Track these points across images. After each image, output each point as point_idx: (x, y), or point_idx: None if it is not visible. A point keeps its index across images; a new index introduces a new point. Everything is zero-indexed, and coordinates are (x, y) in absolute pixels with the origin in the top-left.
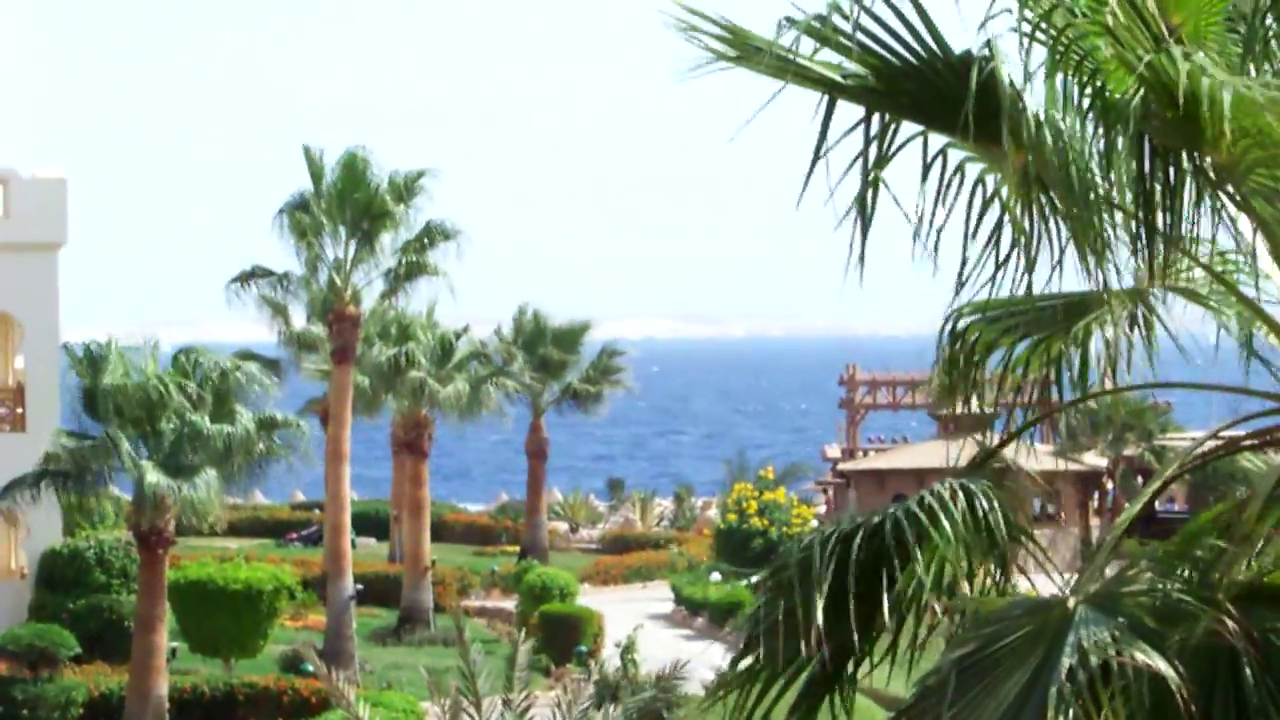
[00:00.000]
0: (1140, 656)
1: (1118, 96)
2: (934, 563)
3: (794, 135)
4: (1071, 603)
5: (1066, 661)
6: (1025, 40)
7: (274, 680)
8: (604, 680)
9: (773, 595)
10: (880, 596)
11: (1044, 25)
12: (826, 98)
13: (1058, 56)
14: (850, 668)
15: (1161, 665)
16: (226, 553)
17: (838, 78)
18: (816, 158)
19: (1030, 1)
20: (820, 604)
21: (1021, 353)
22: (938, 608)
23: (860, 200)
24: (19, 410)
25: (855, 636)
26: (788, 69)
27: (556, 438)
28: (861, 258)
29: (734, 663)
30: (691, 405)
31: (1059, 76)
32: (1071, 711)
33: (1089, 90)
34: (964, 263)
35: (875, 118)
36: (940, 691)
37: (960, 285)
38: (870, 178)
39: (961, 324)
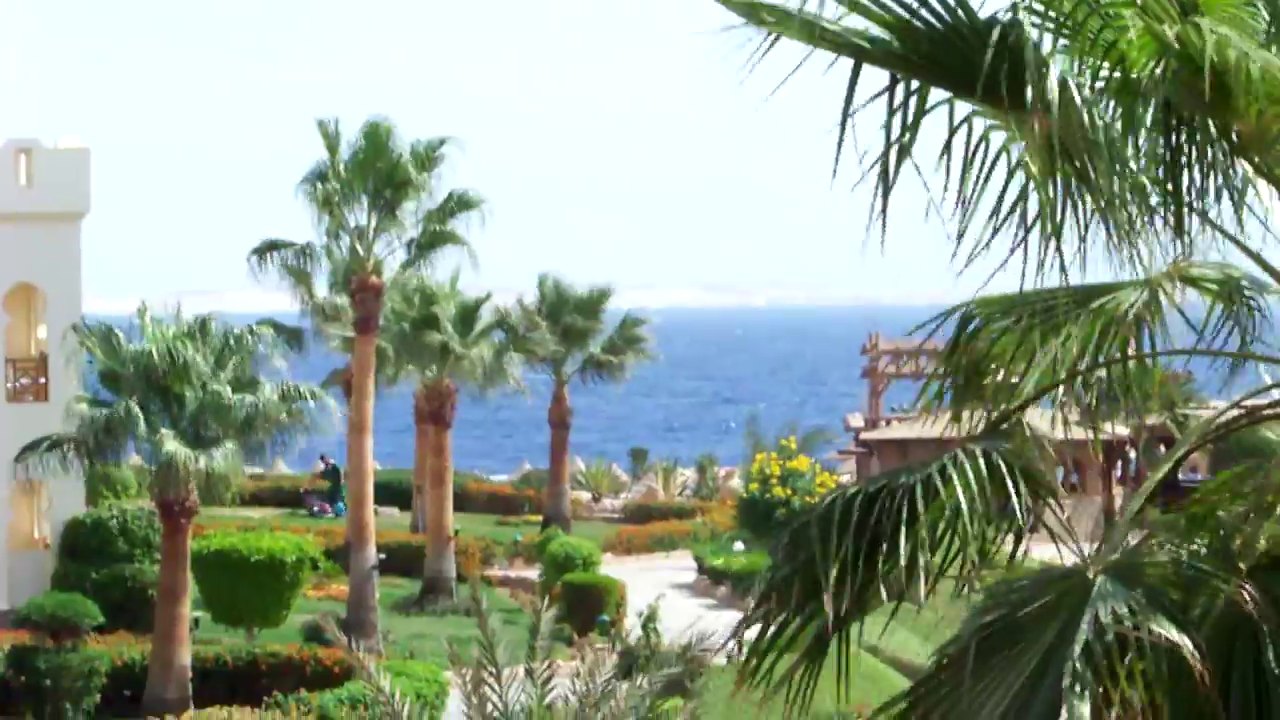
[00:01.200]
0: (1158, 629)
1: (1140, 71)
2: (951, 523)
3: (819, 104)
4: (1091, 573)
5: (1084, 634)
6: (1037, 30)
7: (297, 650)
8: (627, 649)
9: (789, 550)
10: (894, 555)
11: (1054, 14)
12: (853, 63)
13: (1071, 41)
14: (859, 625)
15: (1179, 638)
16: (249, 522)
17: (864, 43)
18: (844, 122)
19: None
20: (834, 560)
21: (1038, 336)
22: (955, 572)
23: (883, 164)
24: (42, 380)
25: (869, 591)
26: (815, 33)
27: (579, 405)
28: (883, 224)
29: (746, 619)
30: (713, 373)
31: (1073, 60)
32: (1088, 686)
33: (1106, 67)
34: (991, 233)
35: (900, 84)
36: (960, 661)
37: (972, 256)
38: (894, 142)
39: (974, 321)
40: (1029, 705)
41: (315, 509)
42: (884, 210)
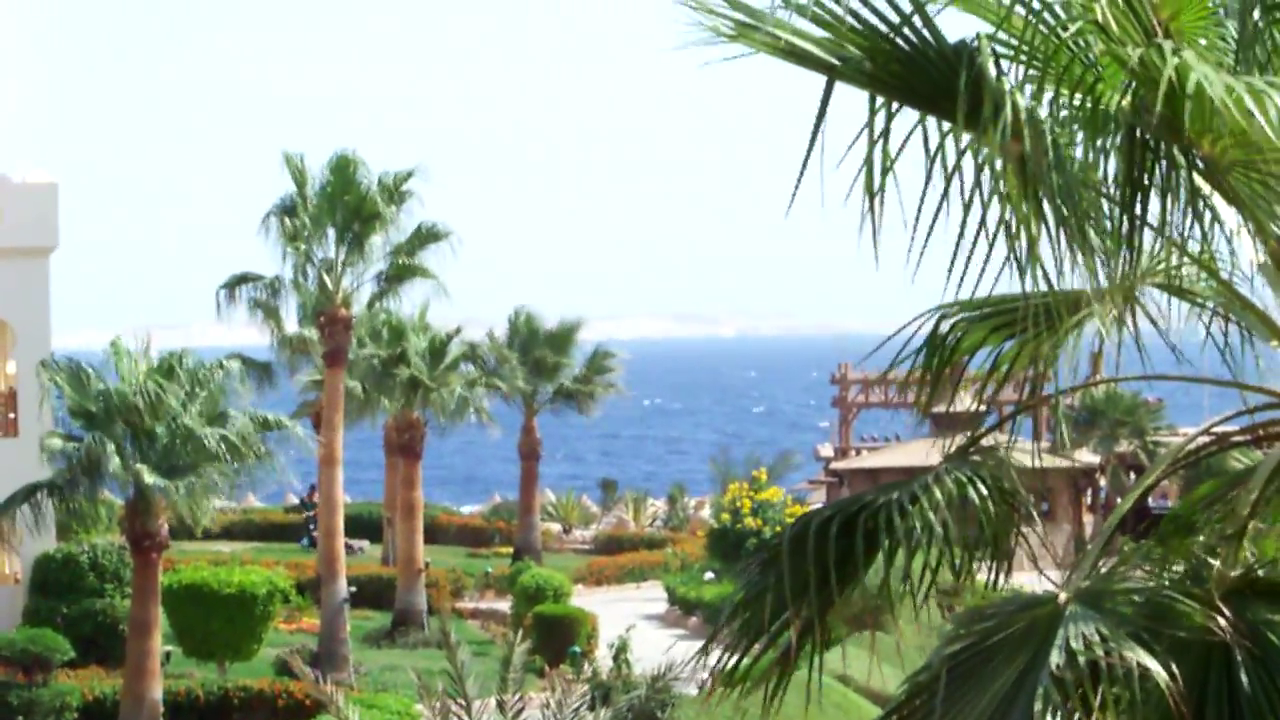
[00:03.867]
0: (1130, 655)
1: (1106, 101)
2: (921, 546)
3: (787, 134)
4: (1062, 599)
5: (1055, 660)
6: (1000, 61)
7: (269, 683)
8: (597, 680)
9: (759, 573)
10: (859, 578)
11: (1021, 45)
12: (825, 80)
13: (1030, 71)
14: (825, 651)
15: (1151, 664)
16: (220, 556)
17: (835, 60)
18: (814, 138)
19: (1006, 25)
20: (804, 582)
21: (1009, 350)
22: (926, 598)
23: (869, 179)
24: (11, 415)
25: (839, 614)
26: (786, 48)
27: (550, 438)
28: (875, 236)
29: (711, 638)
30: (684, 405)
31: (1041, 89)
32: (1060, 712)
33: (1071, 98)
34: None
35: (880, 103)
36: (931, 688)
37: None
38: (870, 158)
39: (946, 323)
40: None
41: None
42: (874, 220)
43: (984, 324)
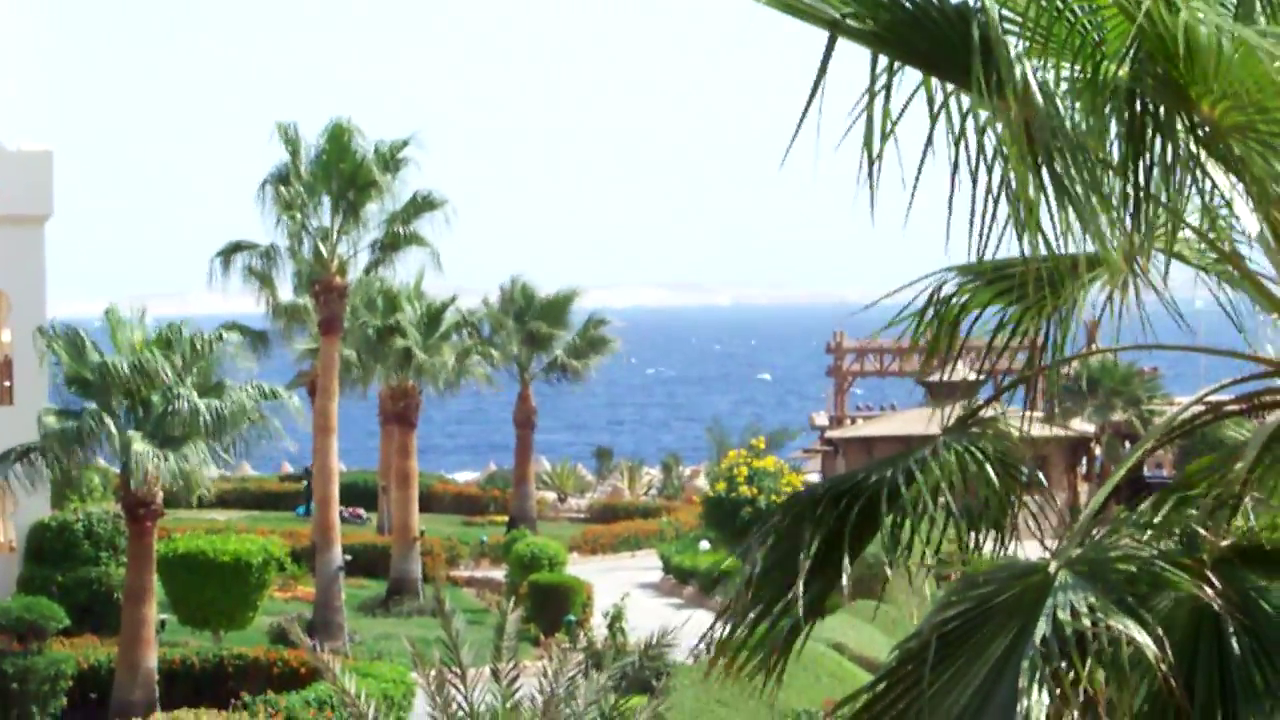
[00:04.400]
0: (1117, 625)
1: (1106, 70)
2: (925, 516)
3: (784, 99)
4: (1053, 568)
5: (1044, 629)
6: (1001, 22)
7: (263, 652)
8: (592, 649)
9: (760, 546)
10: (859, 550)
11: (1022, 16)
12: (827, 36)
13: (1032, 43)
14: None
15: (1139, 635)
16: (215, 524)
17: (838, 16)
18: (813, 96)
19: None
20: (807, 554)
21: (1012, 315)
22: (929, 572)
23: (868, 140)
24: (6, 384)
25: (838, 586)
26: (789, 2)
27: (551, 407)
28: (872, 198)
29: (719, 616)
30: (687, 373)
31: (1042, 59)
32: (1046, 681)
33: (1071, 69)
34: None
35: (878, 61)
36: (921, 656)
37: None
38: (870, 118)
39: (947, 287)
40: (989, 699)
41: (346, 514)
42: (871, 181)
43: (985, 290)
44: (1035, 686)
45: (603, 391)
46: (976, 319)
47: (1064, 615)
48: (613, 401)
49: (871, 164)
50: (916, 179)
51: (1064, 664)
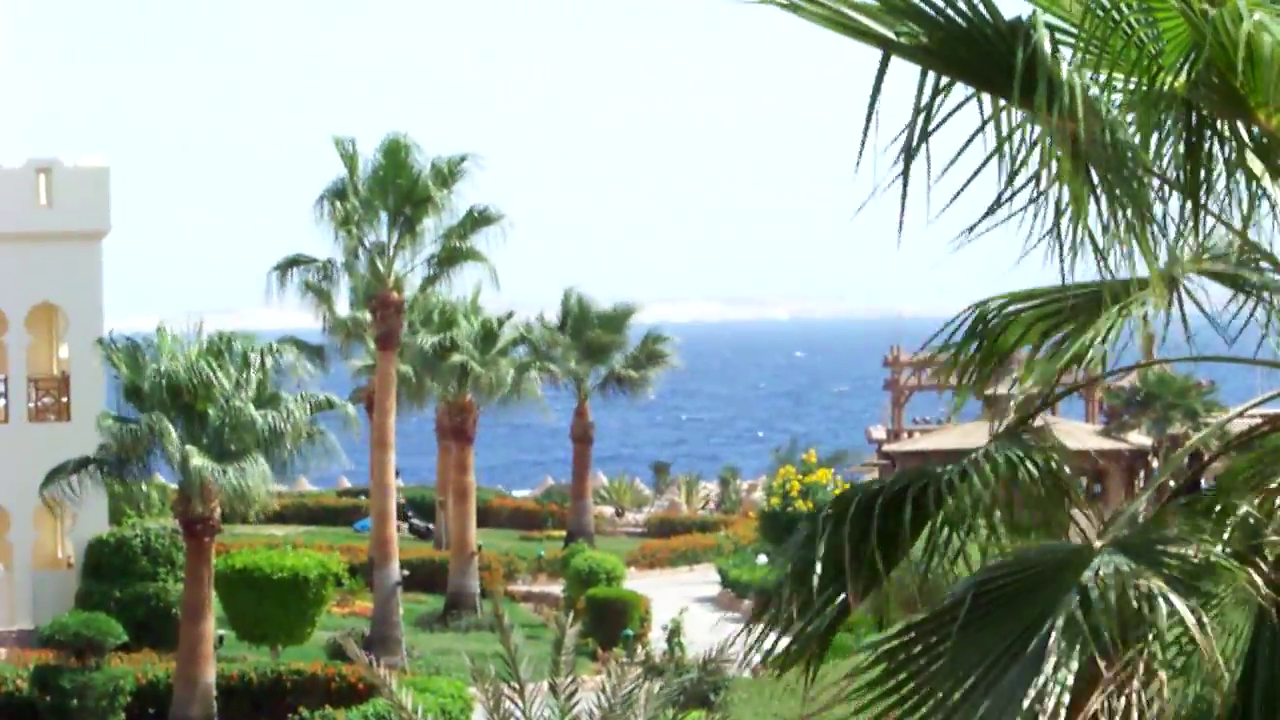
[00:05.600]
0: (1158, 584)
1: (1162, 81)
2: (963, 522)
3: (840, 114)
4: (1098, 545)
5: (1084, 586)
6: (1053, 38)
7: (321, 667)
8: (650, 662)
9: (807, 544)
10: (907, 551)
11: (1069, 29)
12: (880, 54)
13: (1087, 56)
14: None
15: (1176, 599)
16: (273, 540)
17: (891, 34)
18: (870, 113)
19: (1059, 8)
20: (852, 552)
21: (1058, 340)
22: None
23: (906, 150)
24: (64, 400)
25: (885, 586)
26: (841, 21)
27: (603, 422)
28: (901, 212)
29: (757, 615)
30: (740, 389)
31: (1096, 71)
32: (1080, 640)
33: (1126, 81)
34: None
35: (930, 77)
36: (953, 613)
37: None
38: (925, 133)
39: (992, 317)
40: (1020, 654)
41: (416, 525)
42: (903, 199)
43: (1033, 312)
44: (1067, 644)
45: (658, 406)
46: (1020, 345)
47: (1106, 572)
48: (670, 415)
49: (907, 178)
50: (957, 194)
51: (1105, 620)
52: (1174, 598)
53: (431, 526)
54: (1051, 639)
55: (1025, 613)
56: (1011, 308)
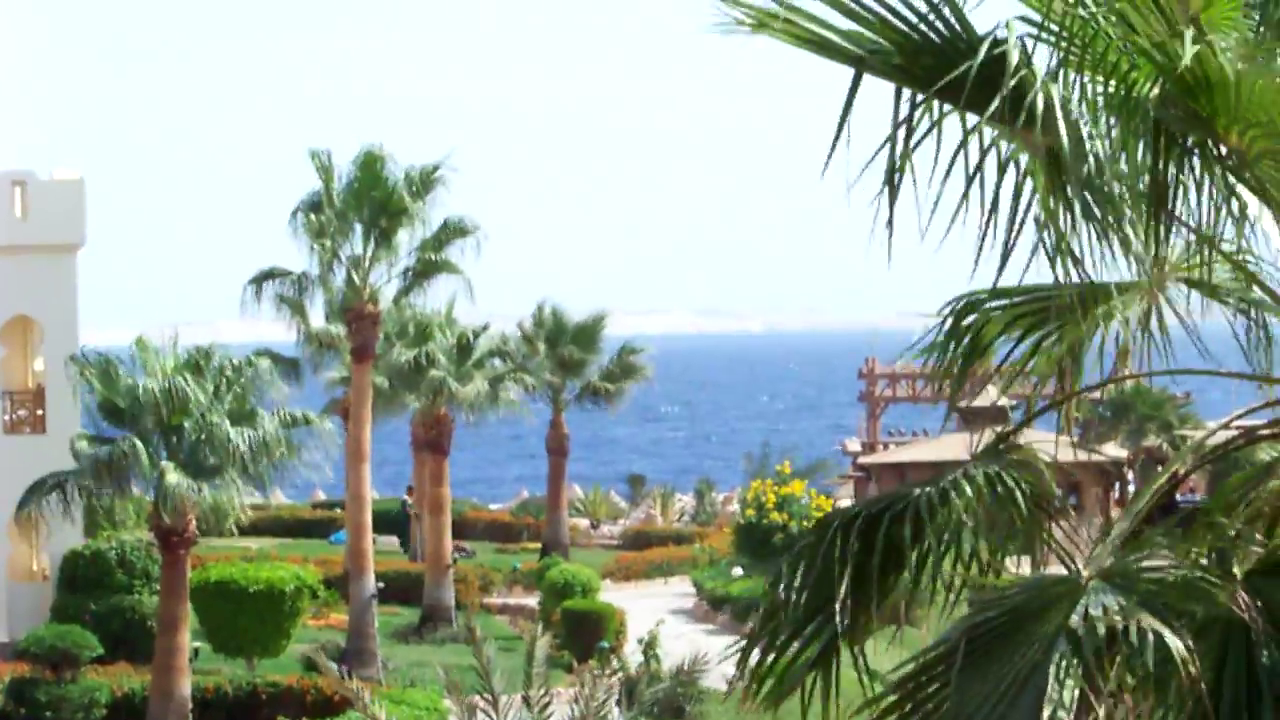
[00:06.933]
0: (1147, 625)
1: (1138, 90)
2: (954, 541)
3: (817, 126)
4: (1084, 578)
5: (1075, 628)
6: (1032, 42)
7: (297, 679)
8: (626, 675)
9: (791, 571)
10: (898, 572)
11: (1053, 28)
12: (853, 72)
13: (1068, 56)
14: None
15: (1169, 635)
16: (248, 552)
17: (862, 52)
18: (840, 127)
19: (1041, 7)
20: (839, 577)
21: (1034, 343)
22: (958, 596)
23: (889, 172)
24: (39, 412)
25: (872, 610)
26: (811, 38)
27: (578, 434)
28: (890, 232)
29: (750, 644)
30: (710, 401)
31: (1070, 75)
32: (1075, 681)
33: (1106, 84)
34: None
35: (904, 94)
36: (949, 659)
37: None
38: (894, 151)
39: (971, 314)
40: (1019, 696)
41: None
42: (890, 216)
43: (1009, 313)
44: (1065, 681)
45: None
46: (991, 343)
47: (1095, 613)
48: (652, 429)
49: (893, 196)
50: (934, 207)
51: (1095, 660)
52: (1166, 635)
53: (465, 547)
54: (1050, 679)
55: (1017, 660)
56: (991, 304)
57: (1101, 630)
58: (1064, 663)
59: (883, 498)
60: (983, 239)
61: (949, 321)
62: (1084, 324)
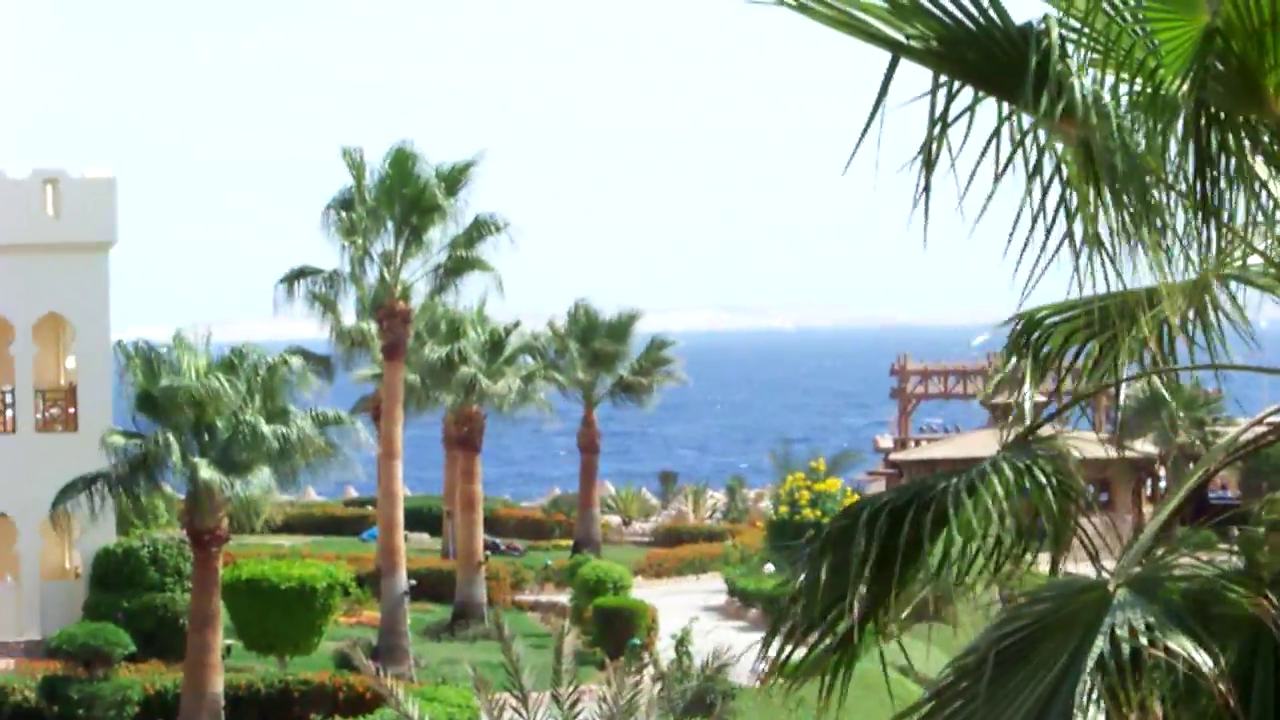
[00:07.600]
0: (1175, 645)
1: (1169, 85)
2: (974, 533)
3: (842, 123)
4: (1112, 586)
5: (1100, 647)
6: (1062, 43)
7: (329, 677)
8: (657, 671)
9: (816, 557)
10: (922, 562)
11: (1073, 24)
12: (889, 57)
13: (1092, 53)
14: (877, 629)
15: (1197, 654)
16: (280, 550)
17: (901, 37)
18: (873, 114)
19: (1068, 7)
20: (861, 565)
21: (1090, 351)
22: (986, 588)
23: (925, 157)
24: (71, 410)
25: (896, 599)
26: (850, 22)
27: (609, 431)
28: (926, 217)
29: (771, 632)
30: (740, 397)
31: (1104, 73)
32: (1102, 699)
33: (1132, 83)
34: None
35: (942, 82)
36: (977, 672)
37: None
38: (935, 138)
39: (1035, 332)
40: (1045, 715)
41: (503, 547)
42: (927, 204)
43: (1063, 327)
44: (1091, 704)
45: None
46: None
47: (1122, 632)
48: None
49: (928, 186)
50: (961, 198)
51: (1120, 681)
52: (1191, 649)
53: (518, 545)
54: (1077, 700)
55: (1047, 669)
56: (1052, 319)
57: (1127, 651)
58: (1090, 683)
59: (910, 487)
60: (1018, 231)
61: (1014, 337)
62: (1131, 329)
